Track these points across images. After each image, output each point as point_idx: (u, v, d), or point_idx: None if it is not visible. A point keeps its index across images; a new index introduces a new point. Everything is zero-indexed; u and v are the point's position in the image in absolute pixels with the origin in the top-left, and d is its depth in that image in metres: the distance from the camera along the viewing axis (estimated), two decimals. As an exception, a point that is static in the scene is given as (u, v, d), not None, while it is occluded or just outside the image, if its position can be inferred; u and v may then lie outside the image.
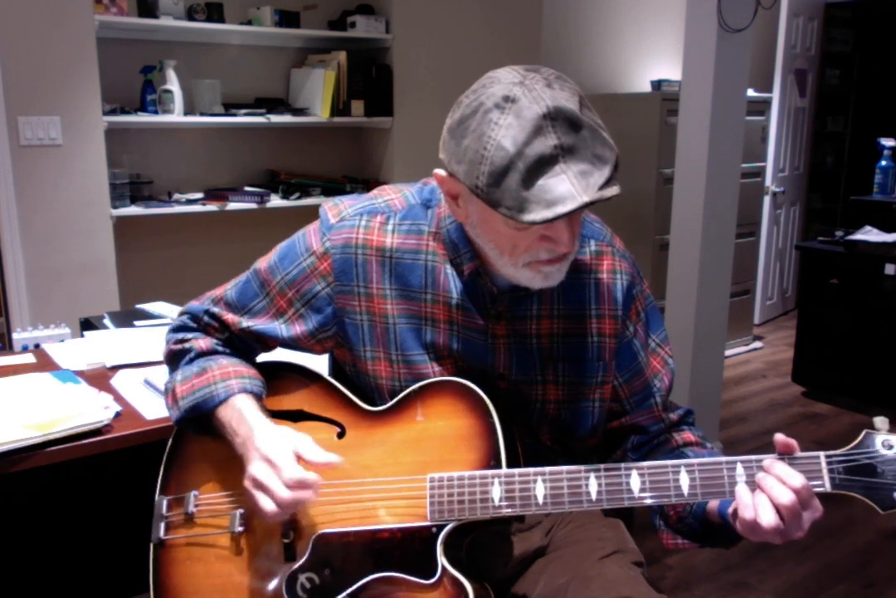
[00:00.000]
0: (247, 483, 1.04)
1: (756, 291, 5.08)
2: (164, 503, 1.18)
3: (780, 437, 0.97)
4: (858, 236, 3.80)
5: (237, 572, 1.12)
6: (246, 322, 1.18)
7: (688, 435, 1.18)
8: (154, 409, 1.48)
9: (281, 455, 1.02)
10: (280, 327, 1.16)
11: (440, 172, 1.02)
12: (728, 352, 4.38)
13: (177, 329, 1.23)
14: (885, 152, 4.28)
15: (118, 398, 1.53)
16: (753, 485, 0.96)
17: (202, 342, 1.19)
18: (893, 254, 3.61)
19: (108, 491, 1.66)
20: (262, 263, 1.19)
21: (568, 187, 0.89)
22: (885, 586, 2.43)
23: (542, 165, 0.90)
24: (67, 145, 2.88)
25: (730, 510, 1.00)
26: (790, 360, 4.18)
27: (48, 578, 1.63)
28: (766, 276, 5.23)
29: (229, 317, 1.19)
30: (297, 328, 1.15)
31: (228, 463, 1.14)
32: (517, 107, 0.91)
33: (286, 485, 1.01)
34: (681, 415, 1.21)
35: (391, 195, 1.16)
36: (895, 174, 4.30)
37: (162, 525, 1.17)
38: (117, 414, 1.44)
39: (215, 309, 1.20)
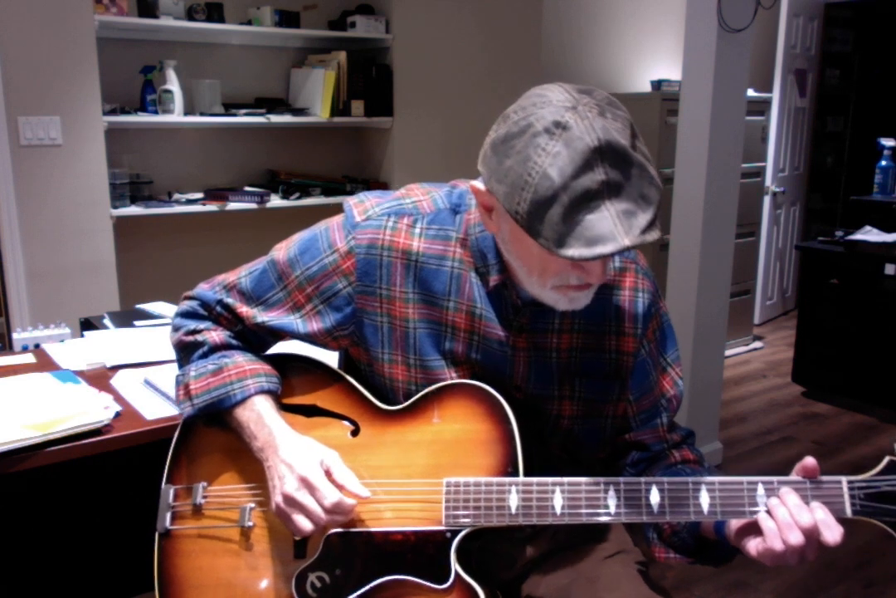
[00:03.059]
0: (279, 500, 1.04)
1: (756, 291, 5.08)
2: (171, 492, 1.17)
3: (808, 461, 0.96)
4: (858, 236, 3.80)
5: (244, 567, 1.11)
6: (261, 316, 1.15)
7: (686, 453, 1.18)
8: (154, 409, 1.48)
9: (316, 475, 1.03)
10: (296, 322, 1.14)
11: (477, 184, 1.00)
12: (728, 352, 4.38)
13: (186, 315, 1.20)
14: (885, 152, 4.28)
15: (118, 398, 1.53)
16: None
17: (216, 336, 1.17)
18: (893, 254, 3.61)
19: (108, 491, 1.66)
20: (281, 254, 1.15)
21: (610, 227, 0.87)
22: (885, 586, 2.43)
23: (587, 199, 0.87)
24: (67, 145, 2.88)
25: (750, 542, 0.98)
26: (790, 360, 4.18)
27: (49, 578, 1.63)
28: (766, 276, 5.23)
29: (244, 310, 1.16)
30: (314, 325, 1.13)
31: (240, 457, 1.14)
32: (568, 135, 0.88)
33: (325, 509, 1.01)
34: (683, 436, 1.20)
35: (419, 197, 1.14)
36: (895, 174, 4.30)
37: (168, 515, 1.16)
38: (117, 414, 1.44)
39: (229, 300, 1.17)
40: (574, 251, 0.88)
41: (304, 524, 1.02)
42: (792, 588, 2.41)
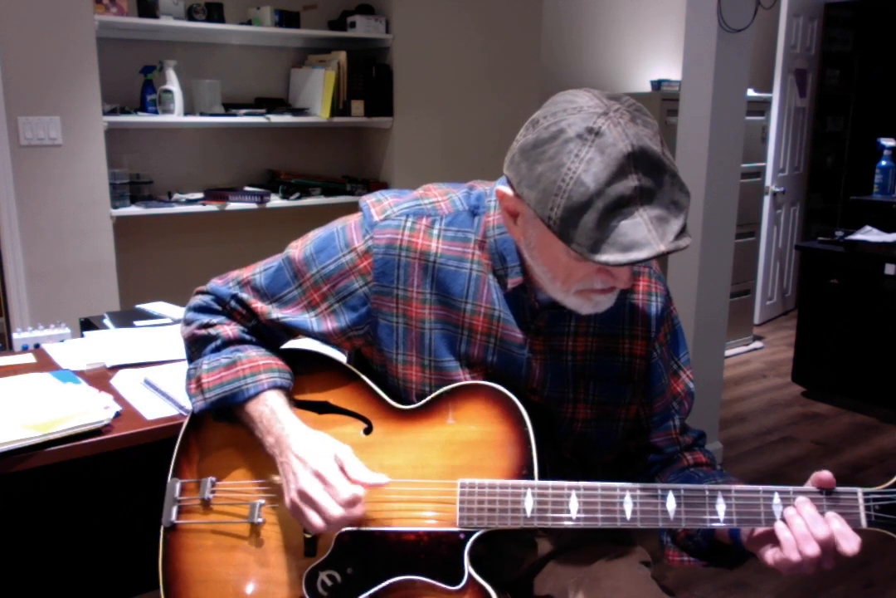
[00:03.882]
0: (293, 495, 1.03)
1: (756, 291, 5.08)
2: (178, 486, 1.16)
3: (823, 474, 0.97)
4: (858, 236, 3.80)
5: (253, 563, 1.11)
6: (276, 313, 1.14)
7: (699, 456, 1.18)
8: (154, 409, 1.48)
9: (330, 470, 1.02)
10: (311, 321, 1.13)
11: (503, 188, 1.00)
12: (728, 352, 4.38)
13: (199, 309, 1.19)
14: (885, 152, 4.28)
15: (118, 398, 1.53)
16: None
17: (229, 330, 1.16)
18: (893, 254, 3.61)
19: (108, 491, 1.66)
20: (297, 252, 1.14)
21: (644, 233, 0.88)
22: (885, 586, 2.43)
23: (621, 206, 0.88)
24: (67, 145, 2.88)
25: (767, 551, 0.99)
26: (790, 360, 4.18)
27: (49, 578, 1.63)
28: (766, 276, 5.23)
29: (258, 306, 1.15)
30: (329, 324, 1.12)
31: (250, 452, 1.13)
32: (601, 141, 0.89)
33: (338, 505, 1.00)
34: (694, 438, 1.20)
35: (437, 198, 1.13)
36: (895, 174, 4.30)
37: (174, 509, 1.15)
38: (117, 414, 1.44)
39: (243, 295, 1.16)
40: (609, 257, 0.88)
41: (317, 521, 1.01)
42: (792, 588, 2.41)
